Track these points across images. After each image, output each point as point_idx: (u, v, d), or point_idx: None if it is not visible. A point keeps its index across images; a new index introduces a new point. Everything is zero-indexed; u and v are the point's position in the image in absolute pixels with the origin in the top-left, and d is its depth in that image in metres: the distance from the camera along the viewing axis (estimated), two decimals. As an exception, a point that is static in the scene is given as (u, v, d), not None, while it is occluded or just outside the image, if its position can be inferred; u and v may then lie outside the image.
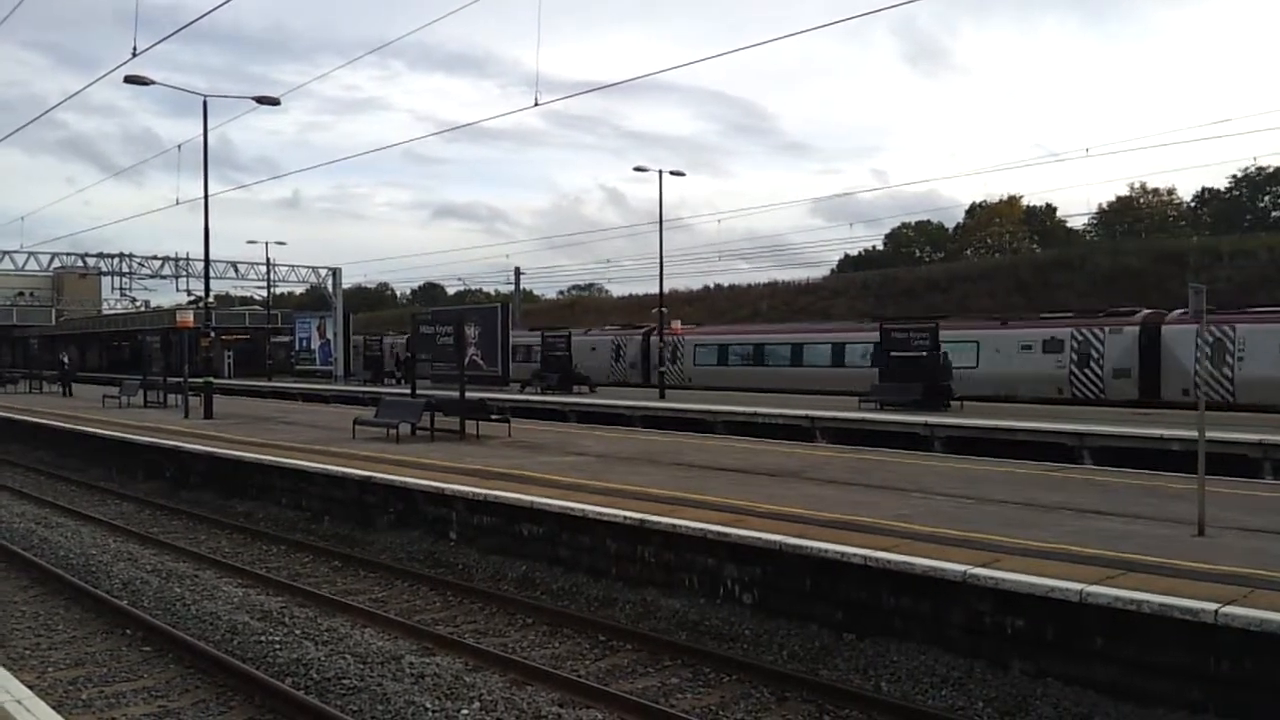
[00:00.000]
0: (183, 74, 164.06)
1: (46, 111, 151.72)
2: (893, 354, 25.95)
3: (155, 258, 51.57)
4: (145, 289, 59.31)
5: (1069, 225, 65.88)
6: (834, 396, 27.96)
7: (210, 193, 26.16)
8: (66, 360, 45.55)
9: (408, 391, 23.28)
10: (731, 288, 66.01)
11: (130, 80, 23.36)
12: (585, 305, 74.87)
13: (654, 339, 39.19)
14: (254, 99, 25.71)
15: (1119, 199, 63.70)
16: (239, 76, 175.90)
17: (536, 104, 25.19)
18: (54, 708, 5.67)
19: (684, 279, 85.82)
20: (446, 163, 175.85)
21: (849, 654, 8.35)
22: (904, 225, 71.74)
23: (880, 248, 71.50)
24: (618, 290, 78.57)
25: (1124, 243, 53.32)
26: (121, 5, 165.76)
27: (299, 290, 65.85)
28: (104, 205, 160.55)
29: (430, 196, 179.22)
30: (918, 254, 70.10)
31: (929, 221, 70.96)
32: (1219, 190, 60.46)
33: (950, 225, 70.65)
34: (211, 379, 27.63)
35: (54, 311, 78.44)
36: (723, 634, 9.09)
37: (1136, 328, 27.41)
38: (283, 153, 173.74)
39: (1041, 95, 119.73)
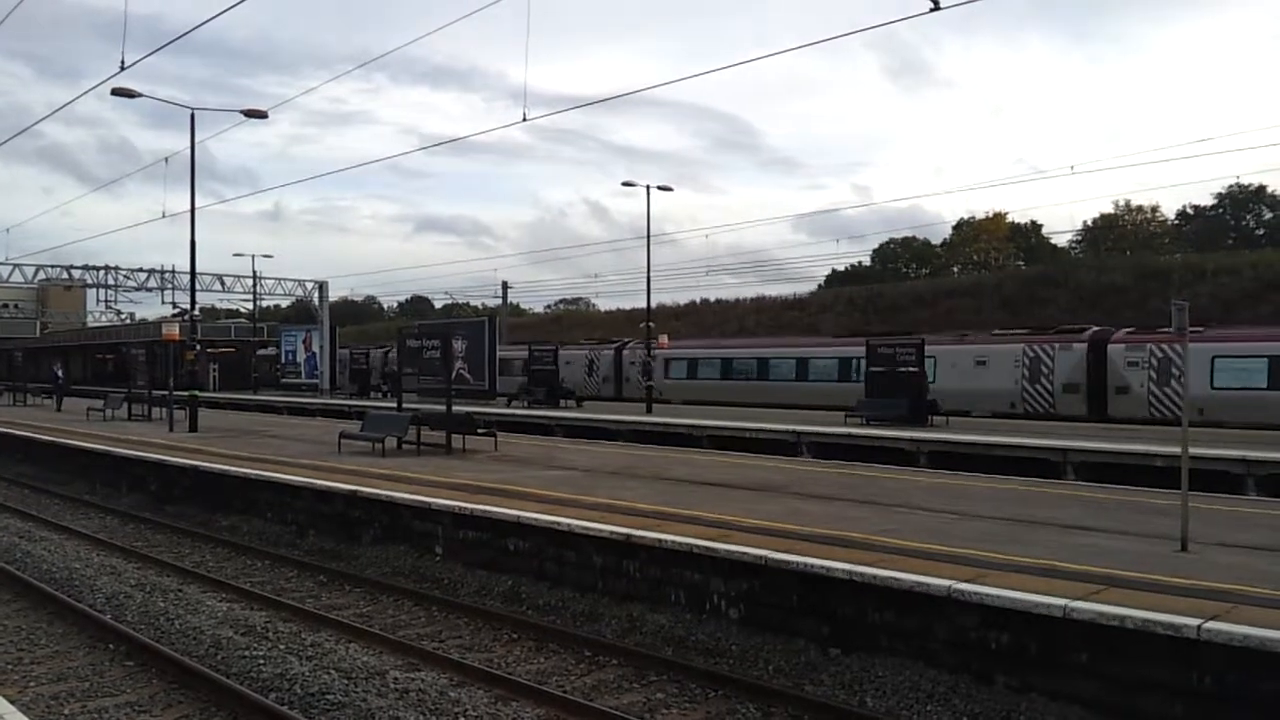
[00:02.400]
0: (166, 86, 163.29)
1: (34, 124, 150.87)
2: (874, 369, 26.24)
3: (140, 270, 51.42)
4: (130, 302, 58.83)
5: (1054, 242, 66.40)
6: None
7: (197, 206, 26.12)
8: (60, 373, 45.29)
9: (394, 405, 23.21)
10: (719, 302, 66.10)
11: (118, 93, 23.34)
12: (573, 319, 74.87)
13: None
14: (242, 112, 25.72)
15: (1103, 216, 64.27)
16: (222, 88, 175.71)
17: (525, 119, 25.05)
18: (35, 723, 5.64)
19: (670, 293, 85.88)
20: (431, 176, 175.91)
21: (835, 669, 8.36)
22: (890, 241, 72.17)
23: (866, 263, 71.82)
24: (604, 305, 78.55)
25: (1108, 259, 53.66)
26: (103, 17, 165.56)
27: (285, 303, 65.70)
28: (83, 217, 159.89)
29: (414, 210, 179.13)
30: (904, 269, 70.42)
31: (915, 238, 71.37)
32: (1203, 208, 61.07)
33: (935, 241, 71.09)
34: (197, 392, 27.50)
35: (39, 324, 77.95)
36: (709, 649, 9.09)
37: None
38: (265, 165, 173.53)
39: (1026, 112, 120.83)
